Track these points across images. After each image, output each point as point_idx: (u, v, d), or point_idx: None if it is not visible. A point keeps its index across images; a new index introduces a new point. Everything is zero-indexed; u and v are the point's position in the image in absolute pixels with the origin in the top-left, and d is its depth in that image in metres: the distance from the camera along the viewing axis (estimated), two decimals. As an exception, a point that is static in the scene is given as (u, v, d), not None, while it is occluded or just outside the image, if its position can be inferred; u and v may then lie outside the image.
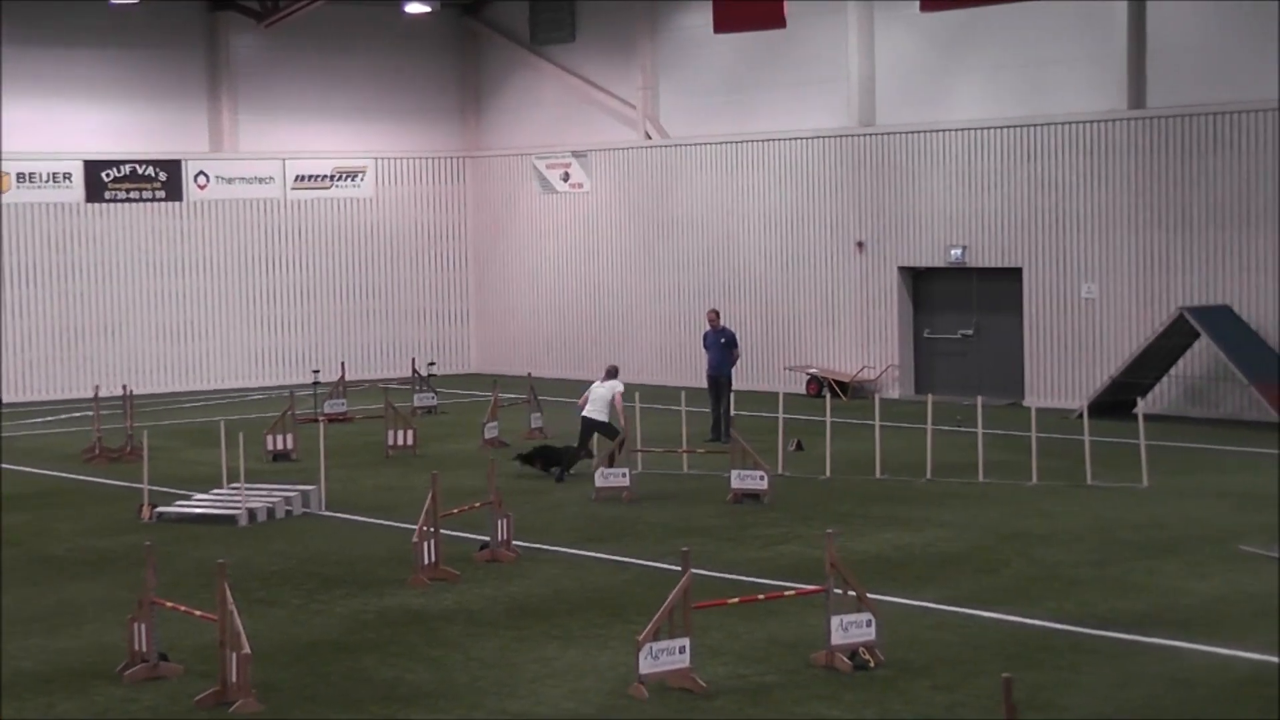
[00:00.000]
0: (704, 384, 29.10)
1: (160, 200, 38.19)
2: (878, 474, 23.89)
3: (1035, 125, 31.72)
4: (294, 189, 39.86)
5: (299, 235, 39.97)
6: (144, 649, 14.20)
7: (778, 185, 35.79)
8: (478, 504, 19.66)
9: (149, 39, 38.06)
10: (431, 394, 33.75)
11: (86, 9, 36.94)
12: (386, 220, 41.01)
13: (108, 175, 37.59)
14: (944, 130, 33.02)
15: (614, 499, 22.55)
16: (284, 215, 39.76)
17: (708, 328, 29.07)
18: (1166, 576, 17.36)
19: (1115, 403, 28.53)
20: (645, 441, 25.02)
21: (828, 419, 25.05)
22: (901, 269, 34.03)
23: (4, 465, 26.72)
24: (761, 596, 15.66)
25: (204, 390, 38.32)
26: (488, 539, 19.03)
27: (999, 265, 32.61)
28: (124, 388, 29.69)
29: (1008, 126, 32.12)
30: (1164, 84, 30.21)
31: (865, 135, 34.25)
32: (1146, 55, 30.39)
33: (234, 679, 13.30)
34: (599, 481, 22.85)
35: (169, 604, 14.48)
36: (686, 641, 13.51)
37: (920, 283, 34.20)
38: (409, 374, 35.91)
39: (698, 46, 36.74)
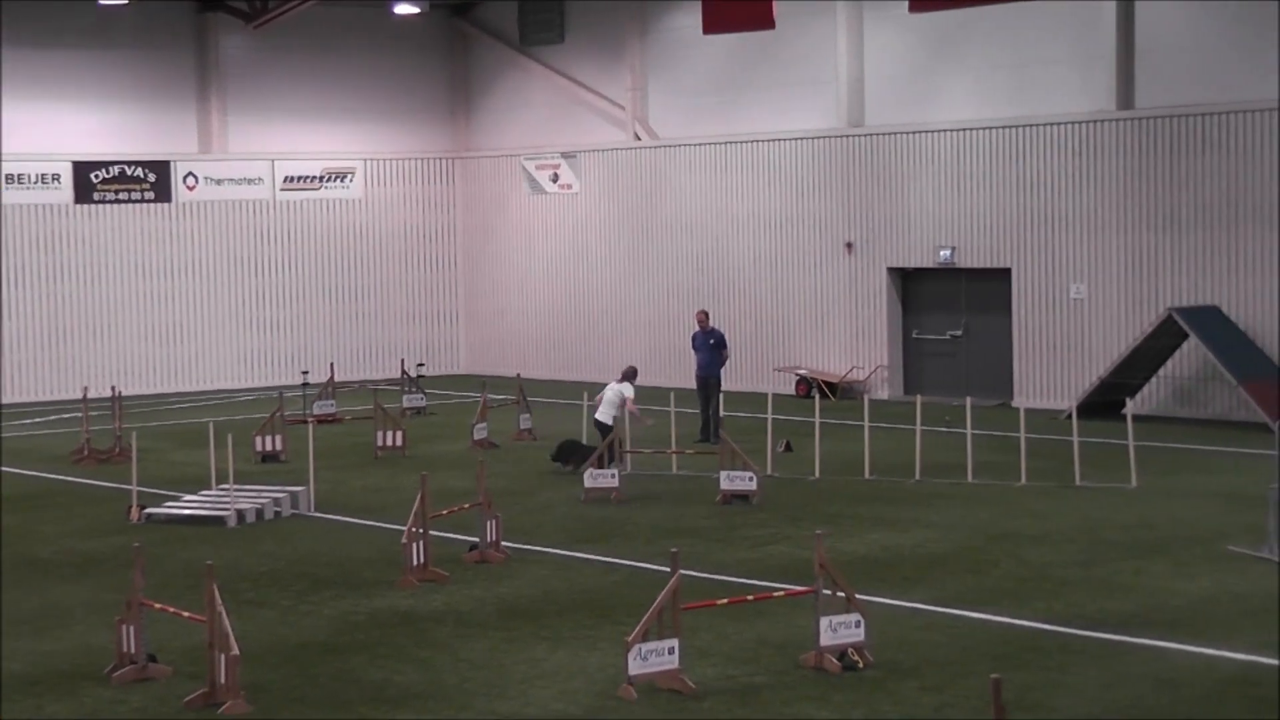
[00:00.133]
0: (693, 385, 29.08)
1: (149, 201, 38.14)
2: (867, 475, 23.89)
3: (1024, 126, 31.75)
4: (283, 190, 39.82)
5: (288, 236, 39.93)
6: (132, 650, 14.19)
7: (767, 186, 35.79)
8: (467, 505, 19.65)
9: (137, 40, 38.01)
10: (420, 395, 33.73)
11: (75, 9, 36.86)
12: (376, 221, 40.98)
13: (96, 176, 37.53)
14: (933, 131, 33.04)
15: (603, 500, 22.55)
16: (273, 216, 39.73)
17: (697, 328, 29.05)
18: (1154, 577, 17.38)
19: (1104, 403, 28.57)
20: (634, 442, 25.05)
21: (817, 420, 25.07)
22: (890, 270, 34.05)
23: (-7, 467, 26.74)
24: (750, 597, 15.64)
25: (193, 391, 38.28)
26: (477, 540, 19.04)
27: (988, 266, 32.63)
28: (113, 389, 29.66)
29: (997, 127, 32.15)
30: (1152, 85, 30.24)
31: (854, 136, 34.26)
32: (1135, 56, 30.42)
33: (223, 680, 13.29)
34: (588, 482, 22.86)
35: (157, 605, 14.45)
36: (675, 642, 13.50)
37: (909, 283, 34.22)
38: (398, 375, 35.91)
39: (687, 47, 36.74)
